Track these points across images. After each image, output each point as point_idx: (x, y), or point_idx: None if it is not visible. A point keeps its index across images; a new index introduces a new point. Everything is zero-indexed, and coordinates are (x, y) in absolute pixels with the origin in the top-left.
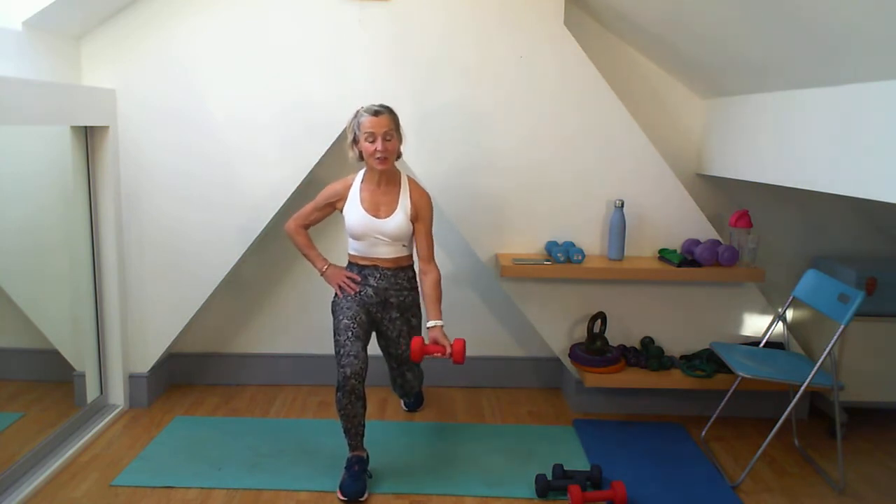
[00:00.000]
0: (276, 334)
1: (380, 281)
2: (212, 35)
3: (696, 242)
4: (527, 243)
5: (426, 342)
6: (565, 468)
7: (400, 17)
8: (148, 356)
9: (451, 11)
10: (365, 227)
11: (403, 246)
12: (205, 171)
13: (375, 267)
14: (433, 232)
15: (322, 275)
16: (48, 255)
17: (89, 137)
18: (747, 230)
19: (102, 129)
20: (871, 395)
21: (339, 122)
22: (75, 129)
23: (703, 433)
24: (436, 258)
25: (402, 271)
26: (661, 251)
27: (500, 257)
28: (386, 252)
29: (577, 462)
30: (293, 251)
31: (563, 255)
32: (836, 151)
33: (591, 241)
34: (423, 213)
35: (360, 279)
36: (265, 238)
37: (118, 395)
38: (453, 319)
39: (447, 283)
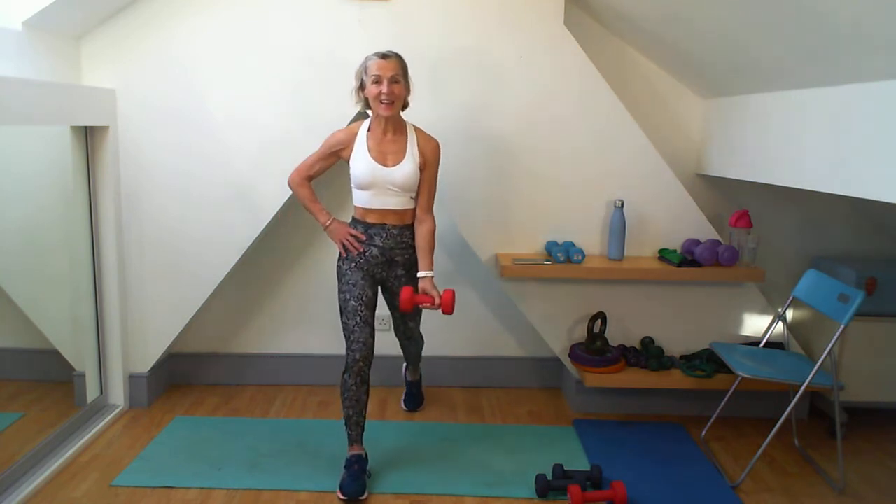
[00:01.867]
0: (276, 334)
1: (386, 241)
2: (212, 35)
3: (696, 242)
4: (527, 243)
5: (417, 292)
6: (565, 468)
7: (400, 17)
8: (148, 356)
9: (451, 11)
10: (373, 175)
11: (411, 198)
12: (205, 171)
13: (382, 225)
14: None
15: (325, 229)
16: (48, 255)
17: (89, 137)
18: (747, 230)
19: (102, 129)
20: (871, 395)
21: (339, 121)
22: (75, 129)
23: (703, 433)
24: (436, 258)
25: (407, 229)
26: (661, 251)
27: (500, 257)
28: (394, 203)
29: (577, 462)
30: (293, 251)
31: (563, 255)
32: (836, 151)
33: (591, 241)
34: (430, 160)
35: (364, 238)
36: (265, 238)
37: (118, 395)
38: (453, 319)
39: (447, 283)
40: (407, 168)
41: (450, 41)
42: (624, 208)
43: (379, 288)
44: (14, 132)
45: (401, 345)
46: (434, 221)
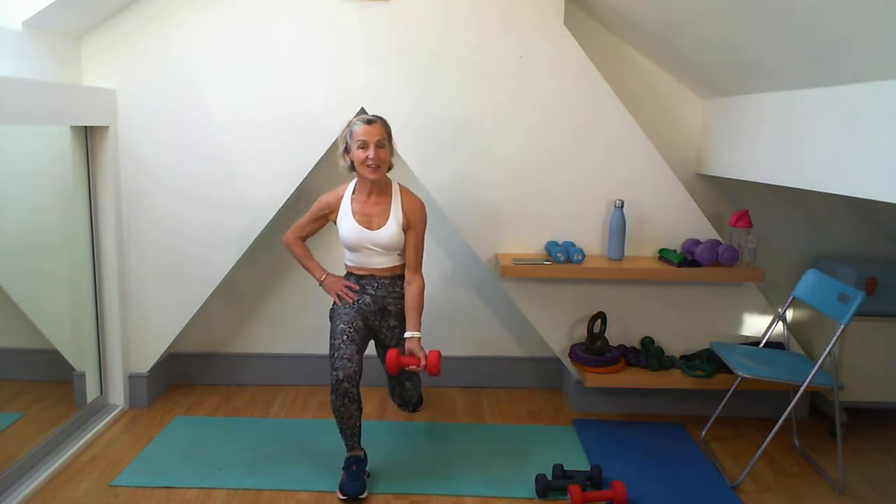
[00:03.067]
0: (276, 334)
1: (377, 290)
2: (212, 35)
3: (696, 242)
4: (527, 243)
5: (403, 353)
6: (565, 468)
7: (400, 17)
8: (148, 356)
9: (451, 11)
10: (358, 238)
11: (398, 255)
12: (205, 171)
13: (373, 276)
14: (426, 240)
15: (321, 284)
16: (48, 255)
17: (89, 137)
18: (747, 230)
19: (102, 129)
20: (871, 395)
21: (338, 122)
22: (75, 129)
23: (703, 433)
24: (436, 258)
25: (399, 279)
26: (661, 251)
27: (500, 257)
28: (381, 262)
29: (577, 462)
30: None
31: (563, 255)
32: (836, 151)
33: (591, 241)
34: (414, 221)
35: (357, 288)
36: (265, 238)
37: (118, 395)
38: (453, 319)
39: (448, 283)
40: (391, 230)
41: (450, 41)
42: (624, 208)
43: (372, 339)
44: (14, 132)
45: (395, 403)
46: (422, 281)
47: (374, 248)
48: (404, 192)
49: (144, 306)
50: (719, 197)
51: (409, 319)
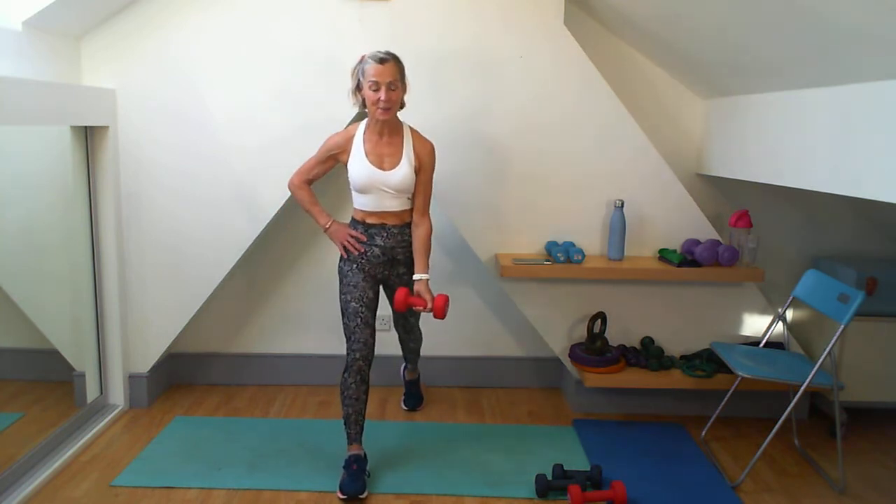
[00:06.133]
0: (276, 334)
1: (387, 240)
2: (212, 35)
3: (696, 242)
4: (527, 243)
5: (412, 293)
6: (565, 468)
7: (400, 17)
8: (148, 356)
9: (451, 11)
10: (370, 179)
11: (408, 198)
12: (205, 171)
13: (382, 226)
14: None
15: (325, 231)
16: (48, 255)
17: (89, 137)
18: (747, 230)
19: (102, 129)
20: (871, 395)
21: (338, 121)
22: (75, 129)
23: (703, 433)
24: (436, 258)
25: (407, 227)
26: (661, 251)
27: (500, 257)
28: (392, 205)
29: (577, 462)
30: (293, 251)
31: (563, 255)
32: (836, 151)
33: (591, 241)
34: (426, 163)
35: (365, 238)
36: (265, 238)
37: (118, 395)
38: (453, 319)
39: (447, 283)
40: (403, 171)
41: (450, 41)
42: (624, 208)
43: (381, 287)
44: (14, 132)
45: (400, 339)
46: (430, 224)
47: (386, 189)
48: (415, 134)
49: (144, 306)
50: (719, 197)
51: (417, 262)
